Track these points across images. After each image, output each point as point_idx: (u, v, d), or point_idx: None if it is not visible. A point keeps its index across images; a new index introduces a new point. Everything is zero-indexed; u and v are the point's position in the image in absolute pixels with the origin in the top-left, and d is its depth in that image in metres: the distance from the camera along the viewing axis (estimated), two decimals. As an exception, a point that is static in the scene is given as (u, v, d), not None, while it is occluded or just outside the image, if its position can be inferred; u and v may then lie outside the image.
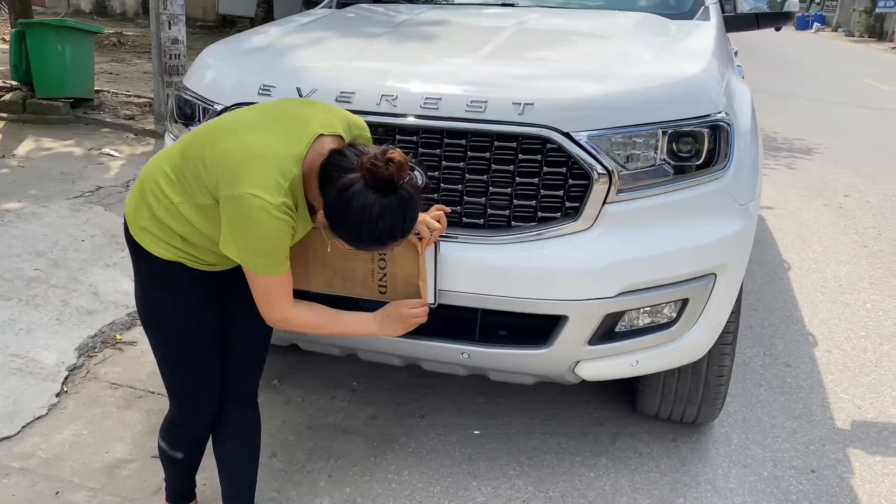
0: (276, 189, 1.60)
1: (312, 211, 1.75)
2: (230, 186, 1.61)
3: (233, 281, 1.87)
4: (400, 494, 2.35)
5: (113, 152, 5.55)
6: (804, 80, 14.86)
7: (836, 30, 36.91)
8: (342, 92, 2.07)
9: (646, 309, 2.04)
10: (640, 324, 2.07)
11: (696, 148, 2.03)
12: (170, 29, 5.73)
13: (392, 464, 2.50)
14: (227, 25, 15.50)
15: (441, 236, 1.94)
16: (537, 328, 2.04)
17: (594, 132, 1.93)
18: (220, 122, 1.77)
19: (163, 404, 2.79)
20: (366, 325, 1.89)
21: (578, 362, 2.08)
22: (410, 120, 2.01)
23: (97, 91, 7.23)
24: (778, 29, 3.87)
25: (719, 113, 2.07)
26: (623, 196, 1.97)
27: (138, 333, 3.27)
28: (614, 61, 2.22)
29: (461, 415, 2.78)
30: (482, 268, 1.99)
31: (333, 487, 2.38)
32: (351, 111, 1.89)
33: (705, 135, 2.03)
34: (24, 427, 2.58)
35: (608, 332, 2.04)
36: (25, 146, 5.79)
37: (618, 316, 2.02)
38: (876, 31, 33.34)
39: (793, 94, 12.55)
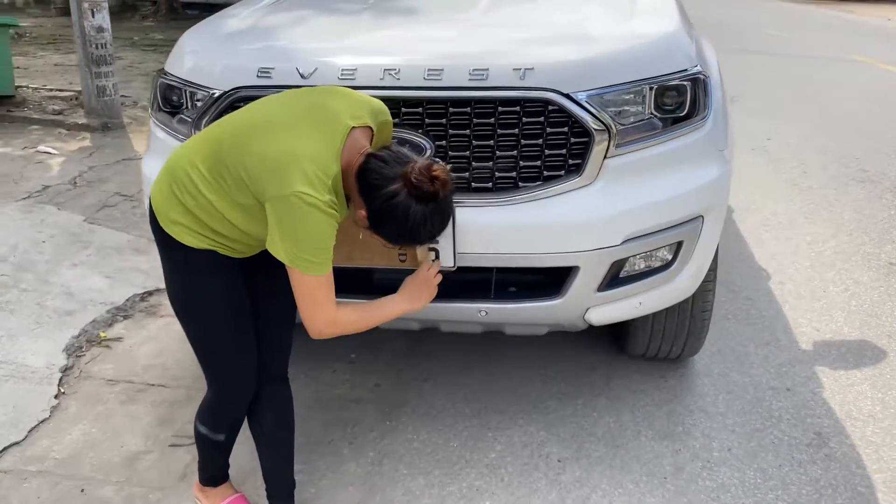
0: (322, 186, 1.64)
1: (347, 200, 1.80)
2: (278, 188, 1.63)
3: (255, 264, 1.92)
4: (422, 452, 2.46)
5: (50, 149, 5.33)
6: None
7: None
8: (343, 70, 2.12)
9: (646, 253, 2.19)
10: (642, 268, 2.22)
11: (678, 101, 2.18)
12: (93, 17, 5.52)
13: (408, 426, 2.60)
14: (129, 10, 14.84)
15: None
16: (550, 281, 2.17)
17: (592, 91, 2.05)
18: (248, 121, 1.77)
19: (165, 395, 2.80)
20: (400, 305, 1.93)
21: (588, 309, 2.23)
22: (415, 92, 2.08)
23: (17, 87, 6.88)
24: None
25: (695, 67, 2.23)
26: (620, 150, 2.10)
27: (121, 329, 3.24)
28: (596, 23, 2.35)
29: (463, 374, 2.90)
30: (495, 229, 2.09)
31: (357, 453, 2.46)
32: (353, 87, 1.94)
33: (687, 88, 2.18)
34: (30, 431, 2.55)
35: (614, 278, 2.19)
36: (-50, 150, 5.52)
37: (622, 262, 2.17)
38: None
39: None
